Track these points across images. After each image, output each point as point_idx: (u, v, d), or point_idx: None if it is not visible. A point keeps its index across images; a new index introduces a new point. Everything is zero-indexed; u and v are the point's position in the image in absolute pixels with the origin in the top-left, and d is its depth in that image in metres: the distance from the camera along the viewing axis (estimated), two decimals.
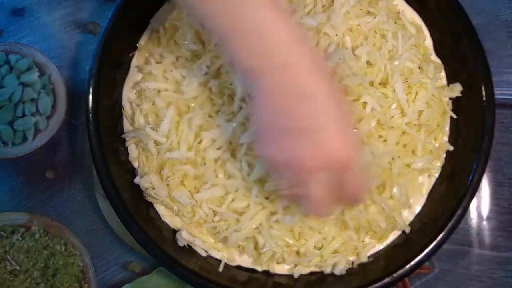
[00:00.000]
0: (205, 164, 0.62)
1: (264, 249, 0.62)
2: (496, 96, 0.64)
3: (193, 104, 0.63)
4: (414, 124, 0.63)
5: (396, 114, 0.62)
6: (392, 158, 0.61)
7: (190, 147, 0.62)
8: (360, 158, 0.49)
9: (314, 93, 0.46)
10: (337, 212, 0.60)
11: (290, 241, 0.61)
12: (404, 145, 0.63)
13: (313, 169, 0.47)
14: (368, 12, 0.64)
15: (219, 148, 0.61)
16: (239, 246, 0.63)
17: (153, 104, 0.64)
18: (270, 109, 0.48)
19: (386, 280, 0.60)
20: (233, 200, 0.61)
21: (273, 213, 0.61)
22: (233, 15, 0.46)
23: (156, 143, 0.63)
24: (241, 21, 0.46)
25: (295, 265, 0.63)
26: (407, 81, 0.63)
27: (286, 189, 0.52)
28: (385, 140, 0.62)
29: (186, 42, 0.64)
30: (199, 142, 0.62)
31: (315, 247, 0.62)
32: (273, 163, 0.50)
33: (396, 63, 0.63)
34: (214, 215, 0.62)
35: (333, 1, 0.63)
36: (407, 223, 0.65)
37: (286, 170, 0.49)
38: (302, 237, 0.62)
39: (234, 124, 0.60)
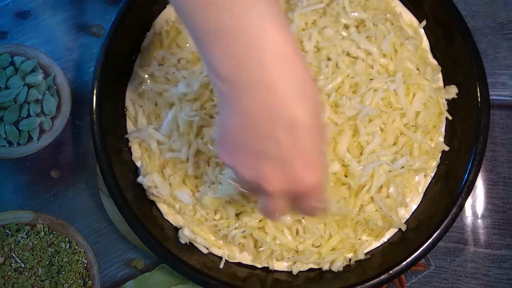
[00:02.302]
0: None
1: (262, 248, 0.63)
2: (491, 97, 0.65)
3: (194, 105, 0.63)
4: (412, 125, 0.63)
5: (397, 116, 0.63)
6: (392, 161, 0.62)
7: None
8: (323, 186, 0.46)
9: (296, 124, 0.41)
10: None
11: (289, 239, 0.62)
12: (401, 146, 0.63)
13: (276, 193, 0.44)
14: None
15: None
16: (239, 244, 0.64)
17: (156, 105, 0.65)
18: (242, 127, 0.42)
19: (382, 276, 0.61)
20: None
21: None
22: (220, 10, 0.38)
23: (159, 143, 0.64)
24: (227, 19, 0.38)
25: (294, 262, 0.64)
26: (405, 82, 0.63)
27: (246, 190, 0.49)
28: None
29: (188, 45, 0.65)
30: (202, 138, 0.62)
31: (313, 245, 0.63)
32: (235, 171, 0.46)
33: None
34: (215, 214, 0.63)
35: None
36: (404, 221, 0.66)
37: (247, 183, 0.46)
38: (301, 235, 0.62)
39: None
